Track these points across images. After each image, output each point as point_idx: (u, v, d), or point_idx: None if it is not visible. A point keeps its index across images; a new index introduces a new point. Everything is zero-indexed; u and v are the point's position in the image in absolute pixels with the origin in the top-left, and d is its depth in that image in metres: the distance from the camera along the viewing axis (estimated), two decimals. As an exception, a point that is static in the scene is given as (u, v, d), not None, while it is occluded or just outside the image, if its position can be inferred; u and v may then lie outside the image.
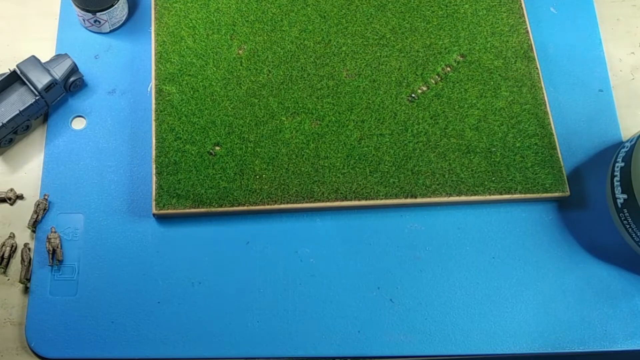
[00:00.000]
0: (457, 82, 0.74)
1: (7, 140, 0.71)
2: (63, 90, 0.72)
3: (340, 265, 0.68)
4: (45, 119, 0.73)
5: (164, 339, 0.65)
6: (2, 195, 0.69)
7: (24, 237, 0.69)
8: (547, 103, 0.74)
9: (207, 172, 0.69)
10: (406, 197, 0.69)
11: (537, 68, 0.75)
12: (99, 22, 0.75)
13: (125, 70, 0.75)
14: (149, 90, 0.75)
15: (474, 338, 0.66)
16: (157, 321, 0.66)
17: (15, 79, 0.70)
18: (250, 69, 0.74)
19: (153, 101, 0.72)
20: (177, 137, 0.70)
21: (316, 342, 0.66)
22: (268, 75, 0.74)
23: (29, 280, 0.66)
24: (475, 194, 0.70)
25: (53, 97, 0.71)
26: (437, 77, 0.75)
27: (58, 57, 0.72)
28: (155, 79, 0.73)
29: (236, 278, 0.67)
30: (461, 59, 0.75)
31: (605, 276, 0.69)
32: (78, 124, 0.73)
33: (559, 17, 0.81)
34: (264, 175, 0.69)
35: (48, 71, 0.70)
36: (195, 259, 0.68)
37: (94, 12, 0.73)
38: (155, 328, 0.65)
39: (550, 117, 0.73)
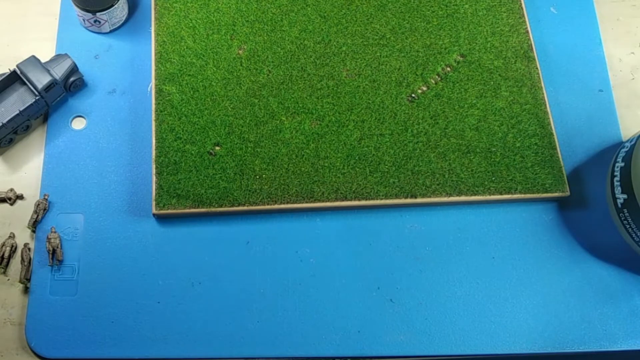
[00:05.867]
0: (457, 82, 0.74)
1: (7, 140, 0.71)
2: (63, 90, 0.72)
3: (340, 265, 0.68)
4: (45, 119, 0.73)
5: (164, 338, 0.65)
6: (2, 195, 0.69)
7: (24, 237, 0.69)
8: (547, 103, 0.74)
9: (207, 172, 0.69)
10: (406, 197, 0.69)
11: (537, 68, 0.75)
12: (99, 22, 0.75)
13: (125, 70, 0.75)
14: (149, 90, 0.75)
15: (474, 338, 0.66)
16: (157, 321, 0.66)
17: (15, 79, 0.70)
18: (250, 69, 0.74)
19: (153, 101, 0.72)
20: (177, 137, 0.70)
21: (316, 342, 0.66)
22: (268, 75, 0.74)
23: (29, 280, 0.66)
24: (475, 194, 0.70)
25: (53, 97, 0.71)
26: (437, 77, 0.74)
27: (58, 57, 0.72)
28: (155, 79, 0.73)
29: (236, 278, 0.67)
30: (461, 59, 0.75)
31: (605, 276, 0.69)
32: (78, 124, 0.73)
33: (559, 17, 0.81)
34: (264, 175, 0.69)
35: (48, 71, 0.70)
36: (195, 259, 0.68)
37: (94, 12, 0.73)
38: (155, 328, 0.65)
39: (550, 117, 0.73)
